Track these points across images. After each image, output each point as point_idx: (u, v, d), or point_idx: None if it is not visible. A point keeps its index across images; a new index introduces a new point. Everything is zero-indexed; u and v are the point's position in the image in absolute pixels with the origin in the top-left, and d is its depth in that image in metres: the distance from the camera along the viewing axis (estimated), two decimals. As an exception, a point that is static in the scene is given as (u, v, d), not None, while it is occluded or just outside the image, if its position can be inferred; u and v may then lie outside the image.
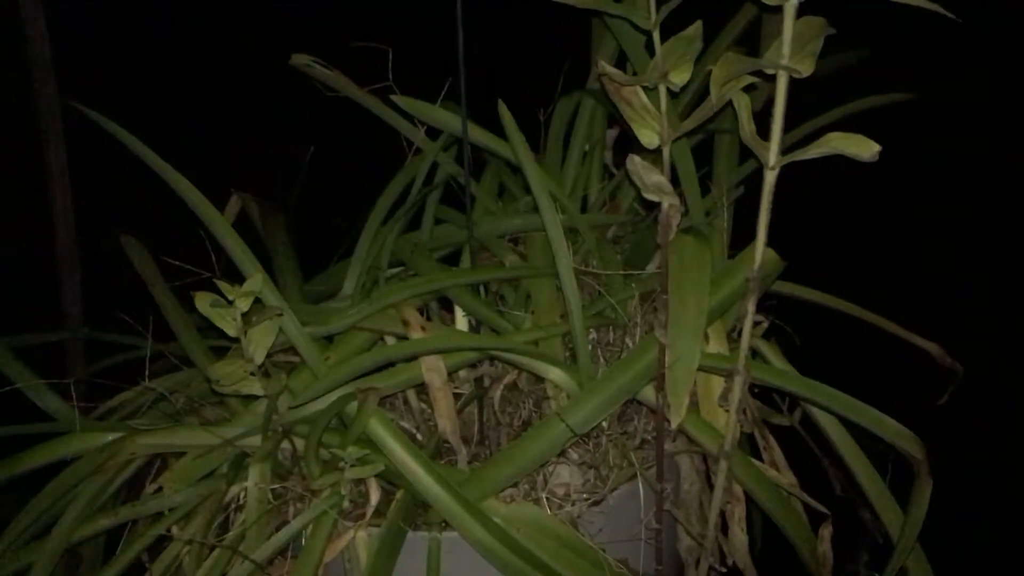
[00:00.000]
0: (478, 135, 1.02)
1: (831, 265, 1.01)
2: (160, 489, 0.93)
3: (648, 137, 0.76)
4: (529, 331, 0.98)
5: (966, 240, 1.53)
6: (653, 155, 0.78)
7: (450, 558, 0.85)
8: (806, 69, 0.69)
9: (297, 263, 1.14)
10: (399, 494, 0.89)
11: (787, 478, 0.95)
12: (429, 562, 0.85)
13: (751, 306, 0.76)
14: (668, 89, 0.74)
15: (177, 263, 1.10)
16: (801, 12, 0.68)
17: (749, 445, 0.98)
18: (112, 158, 0.99)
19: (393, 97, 1.01)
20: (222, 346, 1.06)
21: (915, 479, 0.80)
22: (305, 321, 0.97)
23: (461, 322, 1.05)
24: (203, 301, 0.75)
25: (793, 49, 0.69)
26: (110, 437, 0.93)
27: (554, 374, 0.92)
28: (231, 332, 0.77)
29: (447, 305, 1.08)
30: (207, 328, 1.09)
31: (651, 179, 0.74)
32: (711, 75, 0.67)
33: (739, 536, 0.92)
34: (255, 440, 0.91)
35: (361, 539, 0.86)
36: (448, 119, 1.03)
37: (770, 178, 0.72)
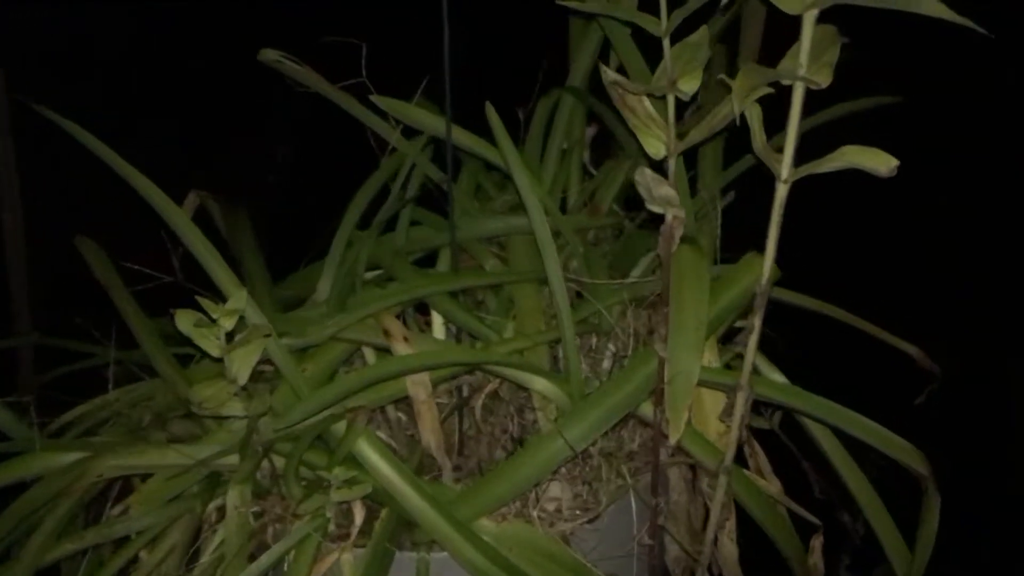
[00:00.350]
0: (461, 137, 0.98)
1: (814, 268, 1.00)
2: (126, 511, 0.88)
3: (654, 147, 0.73)
4: (514, 340, 0.95)
5: (958, 242, 1.54)
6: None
7: (440, 579, 0.82)
8: (824, 80, 0.67)
9: (265, 266, 1.09)
10: (384, 513, 0.85)
11: (774, 486, 0.94)
12: (418, 584, 0.82)
13: (758, 321, 0.74)
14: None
15: (136, 267, 1.05)
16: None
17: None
18: (67, 154, 0.93)
19: (372, 97, 0.97)
20: (186, 354, 1.01)
21: (923, 496, 0.79)
22: (281, 331, 0.93)
23: (439, 329, 1.01)
24: (185, 320, 0.70)
25: (810, 59, 0.67)
26: (73, 457, 0.87)
27: (543, 386, 0.89)
28: (214, 353, 0.73)
29: (422, 308, 1.04)
30: (170, 335, 1.05)
31: (660, 191, 0.71)
32: (733, 87, 0.64)
33: (729, 547, 0.91)
34: (231, 458, 0.86)
35: (346, 561, 0.82)
36: (428, 120, 0.99)
37: (782, 191, 0.70)
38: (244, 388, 0.83)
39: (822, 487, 1.06)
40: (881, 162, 0.67)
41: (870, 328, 1.04)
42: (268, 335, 0.74)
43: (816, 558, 0.91)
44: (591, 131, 1.18)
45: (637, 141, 0.96)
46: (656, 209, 0.75)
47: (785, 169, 0.70)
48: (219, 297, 0.90)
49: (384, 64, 1.02)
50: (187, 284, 1.02)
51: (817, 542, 0.92)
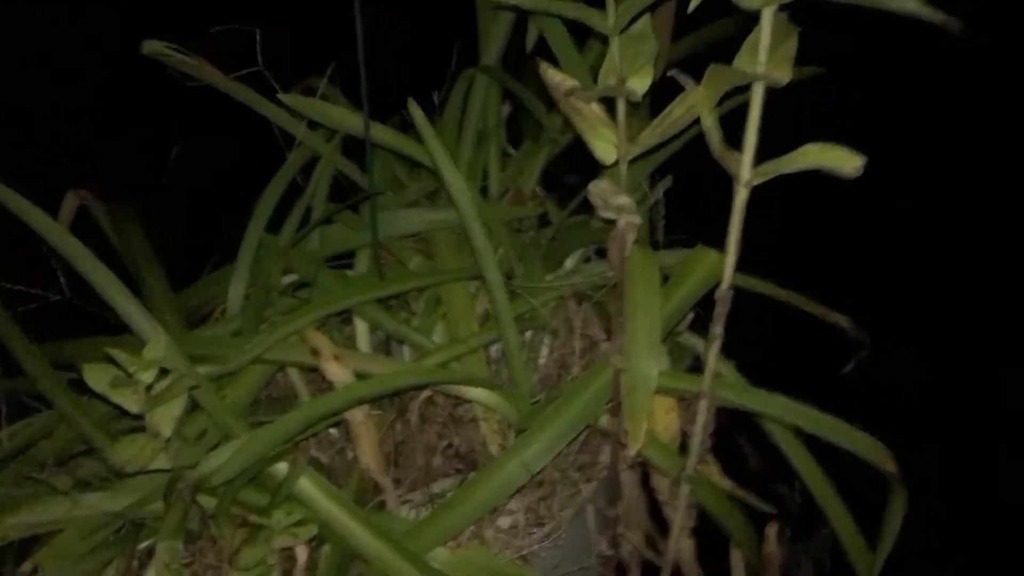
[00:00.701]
0: (380, 134, 0.91)
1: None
2: (35, 570, 0.80)
3: (604, 151, 0.68)
4: (451, 346, 0.89)
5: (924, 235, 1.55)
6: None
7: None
8: (784, 76, 0.63)
9: (165, 280, 0.99)
10: (327, 550, 0.79)
11: (726, 482, 0.92)
12: (372, 626, 0.77)
13: (719, 329, 0.71)
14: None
15: (18, 287, 0.94)
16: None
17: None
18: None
19: (281, 96, 0.88)
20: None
21: (889, 492, 0.78)
22: (195, 356, 0.85)
23: (364, 338, 0.95)
24: (97, 378, 0.62)
25: (768, 55, 0.62)
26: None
27: (489, 398, 0.84)
28: (133, 410, 0.64)
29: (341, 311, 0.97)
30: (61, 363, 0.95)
31: (617, 201, 0.66)
32: (697, 94, 0.59)
33: (687, 545, 0.89)
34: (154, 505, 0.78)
35: (293, 609, 0.76)
36: (344, 118, 0.91)
37: (742, 195, 0.66)
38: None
39: (756, 460, 1.05)
40: (846, 161, 0.63)
41: (798, 300, 1.03)
42: (196, 386, 0.66)
43: (772, 546, 0.90)
44: (505, 110, 1.11)
45: (563, 121, 0.91)
46: (609, 216, 0.70)
47: (745, 172, 0.66)
48: (115, 319, 0.81)
49: (278, 50, 0.94)
50: (76, 303, 0.93)
51: (772, 530, 0.90)
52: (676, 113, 0.66)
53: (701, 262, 0.82)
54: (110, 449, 0.65)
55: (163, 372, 0.75)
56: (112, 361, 0.64)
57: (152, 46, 0.92)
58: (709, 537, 0.96)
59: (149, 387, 0.65)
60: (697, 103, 0.65)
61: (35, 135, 1.17)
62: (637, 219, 0.69)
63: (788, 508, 1.02)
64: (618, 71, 0.65)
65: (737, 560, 0.97)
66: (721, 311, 0.70)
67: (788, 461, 0.88)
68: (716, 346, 0.71)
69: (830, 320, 1.05)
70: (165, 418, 0.66)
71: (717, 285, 0.82)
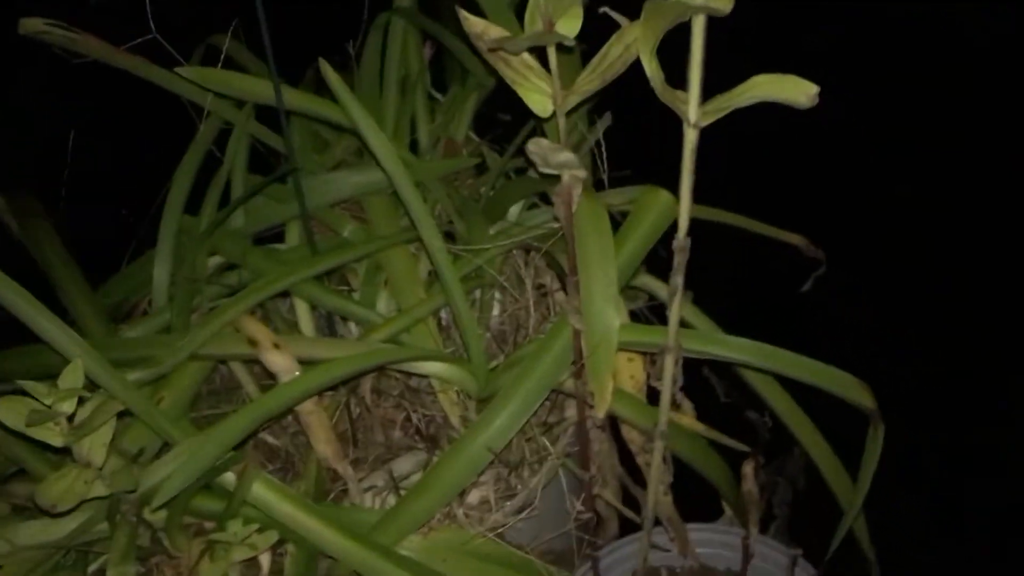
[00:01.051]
0: (295, 100, 0.83)
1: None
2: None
3: (539, 103, 0.62)
4: (398, 318, 0.84)
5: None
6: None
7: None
8: (725, 4, 0.57)
9: (81, 276, 0.92)
10: (291, 551, 0.75)
11: (699, 425, 0.89)
12: (348, 621, 0.73)
13: (680, 279, 0.67)
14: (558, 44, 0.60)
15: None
16: None
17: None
18: None
19: (180, 70, 0.80)
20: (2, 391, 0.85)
21: (869, 426, 0.75)
22: (124, 360, 0.79)
23: (306, 318, 0.89)
24: (13, 415, 0.56)
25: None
26: None
27: (445, 370, 0.79)
28: (57, 444, 0.59)
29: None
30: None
31: (558, 158, 0.61)
32: (632, 32, 0.54)
33: (665, 498, 0.86)
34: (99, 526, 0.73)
35: (262, 618, 0.72)
36: (253, 87, 0.84)
37: (691, 136, 0.61)
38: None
39: (725, 390, 1.03)
40: (799, 90, 0.59)
41: (756, 225, 0.99)
42: (121, 410, 0.60)
43: (750, 484, 0.88)
44: (428, 52, 1.04)
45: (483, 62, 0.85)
46: (549, 171, 0.65)
47: (692, 112, 0.60)
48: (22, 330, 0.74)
49: (172, 10, 0.86)
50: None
51: (749, 468, 0.88)
52: (613, 54, 0.61)
53: (652, 204, 0.77)
54: (36, 491, 0.59)
55: (91, 385, 0.69)
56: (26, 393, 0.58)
57: (29, 25, 0.83)
58: (681, 479, 0.94)
59: (71, 416, 0.59)
60: (634, 42, 0.59)
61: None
62: (582, 173, 0.64)
63: (759, 435, 1.00)
64: (545, 14, 0.59)
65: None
66: (680, 260, 0.66)
67: (753, 389, 0.85)
68: (678, 297, 0.67)
69: (784, 240, 1.02)
70: (95, 447, 0.60)
71: (672, 227, 0.78)
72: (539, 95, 0.62)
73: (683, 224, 0.66)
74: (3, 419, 0.57)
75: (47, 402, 0.57)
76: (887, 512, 0.90)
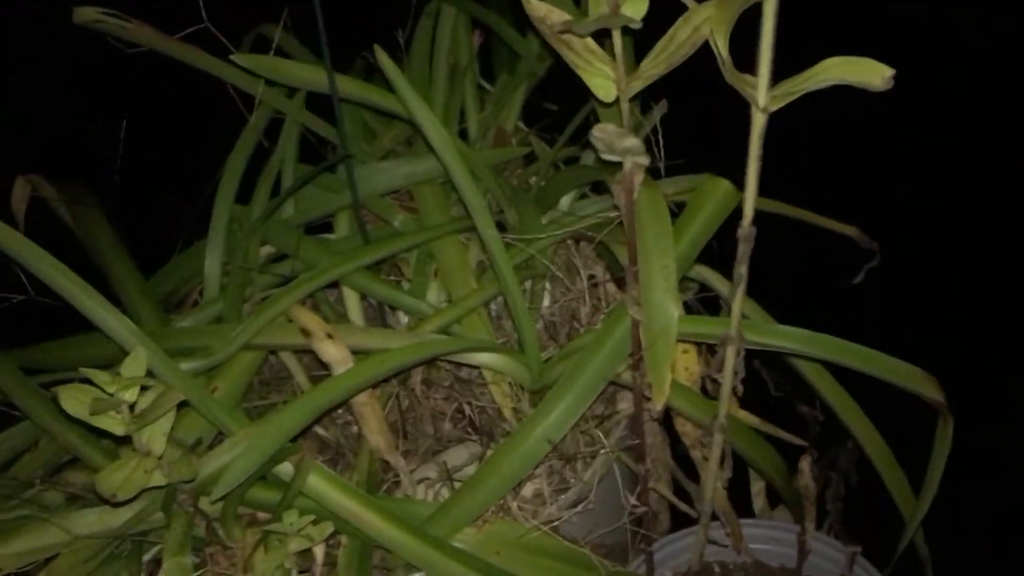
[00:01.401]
0: (348, 87, 0.83)
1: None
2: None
3: (602, 87, 0.61)
4: (450, 309, 0.83)
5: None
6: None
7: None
8: (798, -14, 0.56)
9: (134, 265, 0.92)
10: (346, 542, 0.74)
11: (753, 417, 0.88)
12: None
13: (744, 269, 0.65)
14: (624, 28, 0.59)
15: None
16: None
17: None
18: None
19: (235, 57, 0.79)
20: (57, 380, 0.85)
21: (938, 420, 0.73)
22: (177, 349, 0.78)
23: (355, 309, 0.88)
24: (75, 402, 0.55)
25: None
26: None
27: (499, 362, 0.78)
28: (119, 432, 0.58)
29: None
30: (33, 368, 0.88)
31: (623, 144, 0.59)
32: (710, 9, 0.52)
33: (720, 491, 0.85)
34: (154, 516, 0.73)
35: (316, 610, 0.71)
36: (306, 74, 0.83)
37: (760, 121, 0.60)
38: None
39: (776, 383, 1.01)
40: (874, 73, 0.57)
41: (810, 216, 0.97)
42: (184, 402, 0.60)
43: (807, 479, 0.86)
44: (477, 40, 1.03)
45: (544, 47, 0.83)
46: (614, 158, 0.63)
47: (762, 96, 0.59)
48: (81, 319, 0.74)
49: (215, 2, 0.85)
50: (43, 299, 0.85)
51: (806, 463, 0.86)
52: (680, 37, 0.59)
53: (712, 193, 0.75)
54: (96, 480, 0.59)
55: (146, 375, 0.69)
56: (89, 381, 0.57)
57: (84, 13, 0.83)
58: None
59: (132, 405, 0.58)
60: (702, 24, 0.58)
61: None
62: (645, 160, 0.62)
63: (809, 429, 0.98)
64: (610, -3, 0.58)
65: (759, 492, 0.94)
66: (745, 250, 0.64)
67: (802, 382, 0.83)
68: (741, 288, 0.65)
69: (838, 231, 1.00)
70: (155, 436, 0.60)
71: (731, 216, 0.77)
72: (602, 79, 0.61)
73: (748, 211, 0.64)
74: (66, 407, 0.57)
75: (110, 390, 0.57)
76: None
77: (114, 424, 0.58)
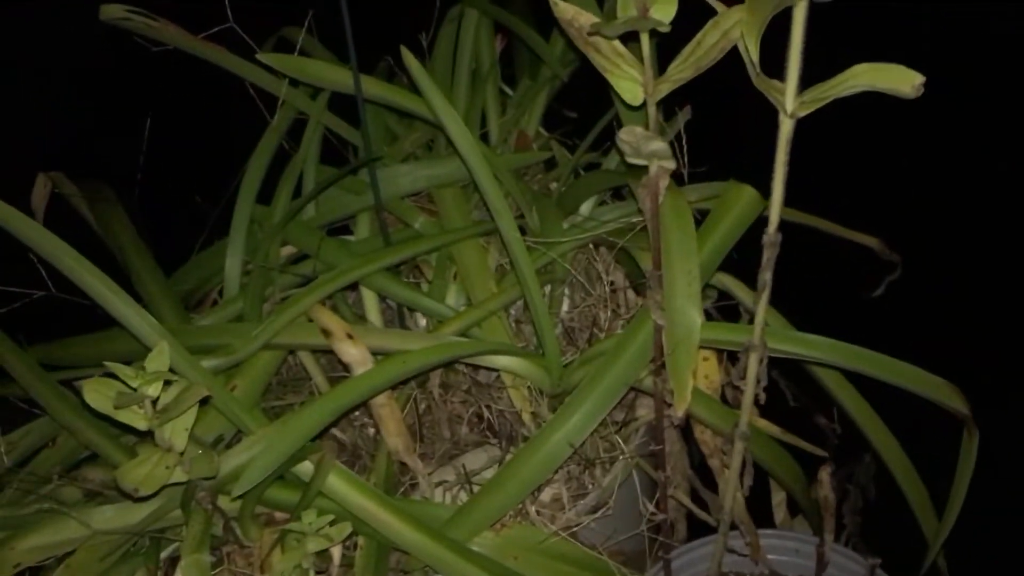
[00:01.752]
0: (372, 89, 0.83)
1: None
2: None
3: (629, 91, 0.61)
4: (470, 312, 0.83)
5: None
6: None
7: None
8: (829, -9, 0.55)
9: (154, 262, 0.92)
10: (363, 544, 0.74)
11: (773, 427, 0.87)
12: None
13: (769, 276, 0.65)
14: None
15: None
16: None
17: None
18: None
19: (260, 56, 0.80)
20: (77, 376, 0.85)
21: (963, 433, 0.73)
22: (198, 347, 0.79)
23: (374, 310, 0.88)
24: (99, 397, 0.55)
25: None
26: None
27: (518, 365, 0.78)
28: (141, 427, 0.58)
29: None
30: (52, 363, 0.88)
31: (650, 147, 0.59)
32: (742, 12, 0.52)
33: (739, 499, 0.84)
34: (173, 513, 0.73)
35: (333, 611, 0.71)
36: (331, 74, 0.83)
37: (787, 127, 0.59)
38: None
39: (794, 393, 1.00)
40: (904, 80, 0.56)
41: (829, 226, 0.97)
42: (208, 397, 0.60)
43: (826, 490, 0.86)
44: (499, 44, 1.03)
45: (569, 49, 0.83)
46: (640, 162, 0.63)
47: (790, 102, 0.59)
48: (101, 312, 0.75)
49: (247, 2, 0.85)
50: (62, 296, 0.86)
51: (825, 473, 0.86)
52: (709, 41, 0.59)
53: (736, 200, 0.75)
54: (118, 475, 0.59)
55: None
56: (111, 375, 0.57)
57: (110, 11, 0.83)
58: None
59: (155, 400, 0.58)
60: (732, 28, 0.57)
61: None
62: (671, 164, 0.62)
63: (829, 439, 0.98)
64: (640, 0, 0.58)
65: (780, 503, 0.93)
66: (770, 256, 0.64)
67: (825, 391, 0.83)
68: (766, 294, 0.65)
69: (860, 242, 1.00)
70: (177, 432, 0.60)
71: (755, 224, 0.77)
72: (630, 83, 0.61)
73: (774, 218, 0.64)
74: (89, 400, 0.57)
75: (133, 385, 0.57)
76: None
77: (137, 419, 0.58)
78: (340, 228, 0.95)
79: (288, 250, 0.92)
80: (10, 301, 0.88)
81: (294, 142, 0.94)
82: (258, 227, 0.90)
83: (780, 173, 0.62)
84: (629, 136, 0.58)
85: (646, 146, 0.59)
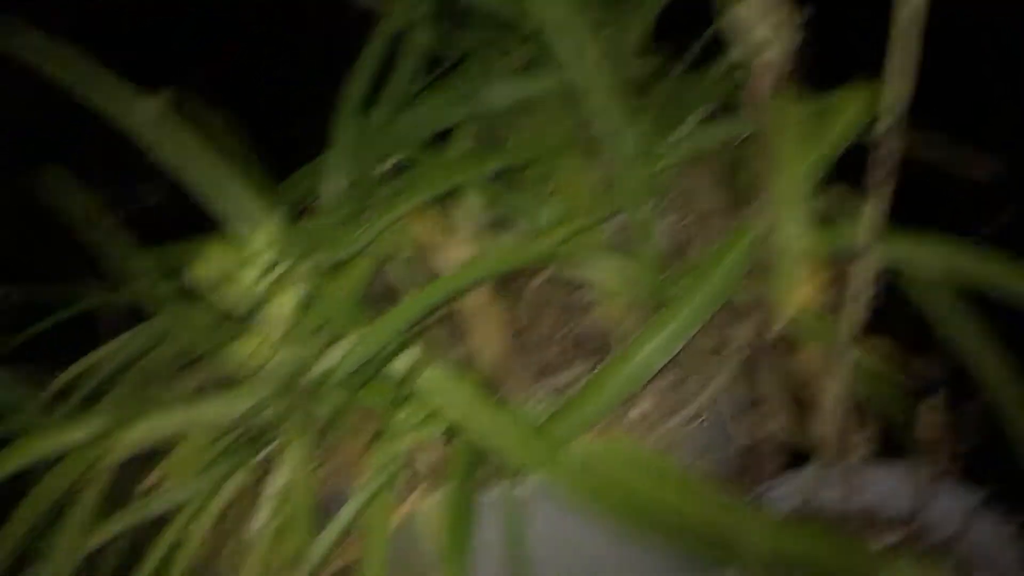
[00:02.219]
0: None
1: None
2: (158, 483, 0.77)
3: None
4: (566, 225, 0.82)
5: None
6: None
7: (533, 516, 0.72)
8: None
9: (262, 172, 0.94)
10: (458, 447, 0.74)
11: (879, 349, 0.84)
12: (508, 525, 0.72)
13: (883, 172, 0.62)
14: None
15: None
16: None
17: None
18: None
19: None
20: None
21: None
22: (301, 247, 0.80)
23: (471, 220, 0.88)
24: (207, 271, 0.57)
25: None
26: (91, 430, 0.75)
27: (615, 273, 0.77)
28: (244, 304, 0.60)
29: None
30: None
31: (761, 33, 0.57)
32: None
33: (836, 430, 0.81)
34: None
35: (425, 508, 0.72)
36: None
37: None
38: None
39: (900, 320, 0.96)
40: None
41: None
42: (306, 285, 0.61)
43: (932, 425, 0.82)
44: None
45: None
46: (747, 53, 0.61)
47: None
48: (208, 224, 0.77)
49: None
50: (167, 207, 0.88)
51: (931, 408, 0.82)
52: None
53: (848, 104, 0.72)
54: (231, 346, 0.61)
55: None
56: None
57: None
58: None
59: (260, 278, 0.60)
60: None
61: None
62: (783, 56, 0.60)
63: (938, 371, 0.94)
64: None
65: (876, 437, 0.90)
66: (886, 152, 0.61)
67: (930, 322, 0.79)
68: (879, 193, 0.62)
69: (979, 167, 0.94)
70: (279, 312, 0.61)
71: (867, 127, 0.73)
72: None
73: (891, 108, 0.61)
74: (198, 275, 0.58)
75: (239, 259, 0.58)
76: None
77: (242, 292, 0.59)
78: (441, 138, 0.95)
79: (388, 161, 0.92)
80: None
81: (395, 57, 0.94)
82: (360, 138, 0.90)
83: (908, 51, 0.58)
84: (741, 15, 0.56)
85: (757, 30, 0.57)
